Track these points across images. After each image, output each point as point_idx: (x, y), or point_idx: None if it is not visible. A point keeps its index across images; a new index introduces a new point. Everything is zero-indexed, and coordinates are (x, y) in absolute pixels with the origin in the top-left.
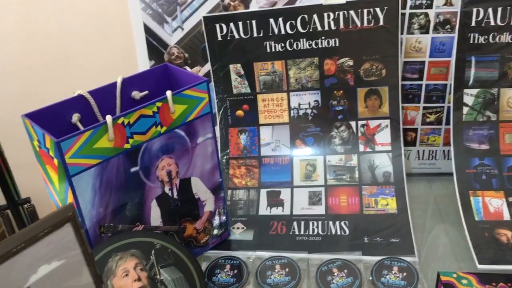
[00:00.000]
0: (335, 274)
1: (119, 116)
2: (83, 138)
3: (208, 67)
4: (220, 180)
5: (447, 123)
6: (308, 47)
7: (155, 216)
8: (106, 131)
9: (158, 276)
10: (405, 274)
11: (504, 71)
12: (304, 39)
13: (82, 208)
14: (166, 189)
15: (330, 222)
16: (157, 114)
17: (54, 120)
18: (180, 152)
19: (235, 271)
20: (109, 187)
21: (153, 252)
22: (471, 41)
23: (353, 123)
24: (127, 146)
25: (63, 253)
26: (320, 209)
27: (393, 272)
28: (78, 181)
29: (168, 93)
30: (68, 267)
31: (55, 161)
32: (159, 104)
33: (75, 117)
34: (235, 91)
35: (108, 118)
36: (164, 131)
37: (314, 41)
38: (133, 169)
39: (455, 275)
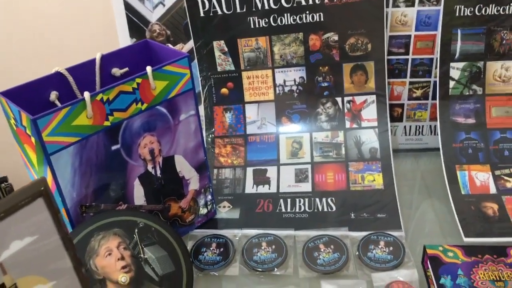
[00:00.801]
0: (322, 250)
1: (98, 93)
2: (60, 115)
3: (191, 44)
4: (205, 158)
5: (434, 98)
6: (293, 22)
7: (139, 195)
8: (84, 108)
9: (142, 255)
10: (391, 248)
11: (490, 44)
12: (288, 14)
13: (62, 187)
14: (149, 168)
15: (317, 199)
16: (137, 91)
17: (31, 98)
18: (162, 129)
19: (221, 249)
20: (89, 166)
21: (136, 230)
22: (457, 14)
23: (339, 99)
24: (107, 123)
25: (37, 230)
26: (306, 186)
27: (380, 246)
28: (57, 160)
29: (148, 69)
30: (46, 247)
31: (33, 139)
32: (139, 80)
33: (53, 95)
34: (219, 69)
35: (86, 94)
36: (145, 108)
37: (298, 16)
38: (114, 147)
39: (441, 248)
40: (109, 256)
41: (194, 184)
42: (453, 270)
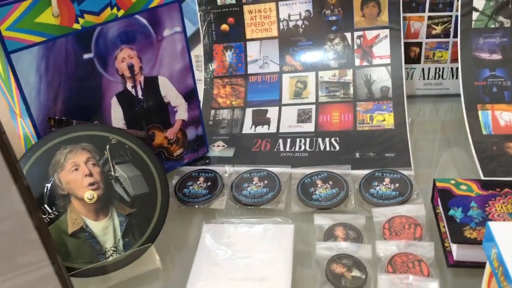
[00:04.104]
0: (319, 185)
1: None
2: (21, 8)
3: None
4: (193, 85)
5: (455, 35)
6: None
7: (117, 116)
8: (49, 4)
9: (112, 173)
10: (397, 185)
11: None
12: None
13: (26, 93)
14: (129, 86)
15: (319, 139)
16: None
17: None
18: (143, 43)
19: (209, 183)
20: (57, 73)
21: (107, 147)
22: None
23: (348, 35)
24: (76, 26)
25: None
26: (309, 127)
27: (384, 183)
28: (18, 59)
29: None
30: None
31: None
32: None
33: None
34: (219, 2)
35: None
36: (122, 14)
37: None
38: (86, 56)
39: (453, 182)
40: (76, 171)
41: (182, 113)
42: (465, 203)
